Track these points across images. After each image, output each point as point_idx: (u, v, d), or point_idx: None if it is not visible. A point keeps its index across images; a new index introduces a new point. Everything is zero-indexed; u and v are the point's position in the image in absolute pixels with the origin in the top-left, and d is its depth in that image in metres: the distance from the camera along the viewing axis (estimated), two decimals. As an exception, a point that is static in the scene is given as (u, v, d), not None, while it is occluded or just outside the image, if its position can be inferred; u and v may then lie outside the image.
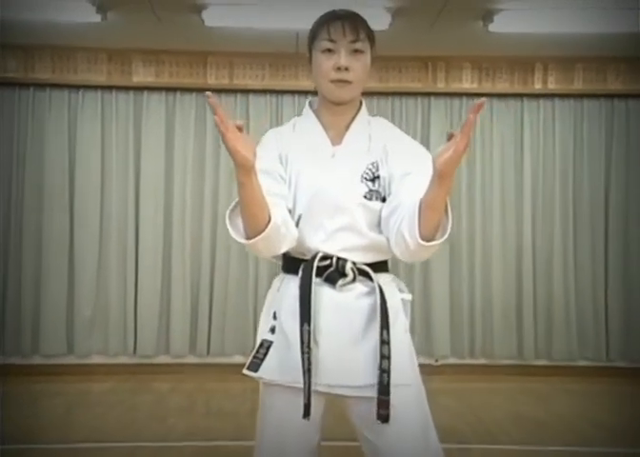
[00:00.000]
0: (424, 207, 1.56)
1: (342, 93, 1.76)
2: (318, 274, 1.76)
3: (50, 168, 5.53)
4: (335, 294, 1.77)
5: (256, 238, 1.65)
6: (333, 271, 1.76)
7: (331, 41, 1.73)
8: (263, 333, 1.82)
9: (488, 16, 4.54)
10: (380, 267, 1.82)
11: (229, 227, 1.71)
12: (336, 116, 1.82)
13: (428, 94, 5.76)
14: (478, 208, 5.75)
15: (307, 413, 1.69)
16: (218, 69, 5.60)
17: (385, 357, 1.69)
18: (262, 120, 5.59)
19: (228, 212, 1.70)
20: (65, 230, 5.54)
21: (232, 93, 5.67)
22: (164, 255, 5.65)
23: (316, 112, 1.85)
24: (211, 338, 5.71)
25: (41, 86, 5.53)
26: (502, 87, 5.73)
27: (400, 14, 4.58)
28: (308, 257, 1.77)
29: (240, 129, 1.53)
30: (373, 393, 1.70)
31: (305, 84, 5.67)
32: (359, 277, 1.77)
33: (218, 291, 5.69)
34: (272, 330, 1.79)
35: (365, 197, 1.75)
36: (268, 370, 1.76)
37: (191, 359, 5.72)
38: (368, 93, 5.60)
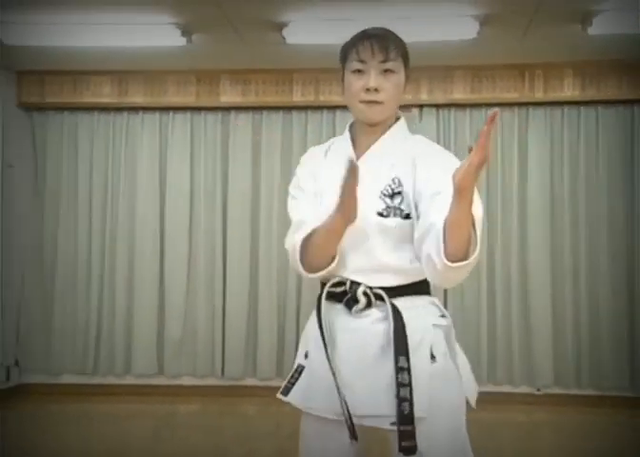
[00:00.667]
0: (448, 225, 1.53)
1: (372, 114, 1.76)
2: (339, 300, 1.78)
3: (142, 192, 5.69)
4: (351, 320, 1.77)
5: (321, 272, 1.72)
6: (349, 297, 1.76)
7: (361, 61, 1.73)
8: (299, 358, 1.85)
9: (586, 19, 4.24)
10: (404, 290, 1.77)
11: (298, 258, 1.75)
12: (369, 136, 1.81)
13: (525, 104, 5.46)
14: (582, 227, 5.38)
15: (354, 436, 1.70)
16: (304, 85, 5.55)
17: (404, 385, 1.65)
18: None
19: (300, 242, 1.73)
20: (155, 254, 5.66)
21: (319, 110, 5.61)
22: (251, 278, 5.65)
23: (352, 132, 1.86)
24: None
25: (134, 109, 5.71)
26: (609, 93, 5.34)
27: (489, 22, 4.39)
28: (329, 282, 1.79)
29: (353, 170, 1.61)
30: (387, 424, 1.67)
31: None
32: (377, 302, 1.74)
33: (304, 315, 5.56)
34: (306, 356, 1.83)
35: (380, 214, 1.72)
36: (296, 396, 1.80)
37: (278, 382, 5.63)
38: (460, 105, 5.53)
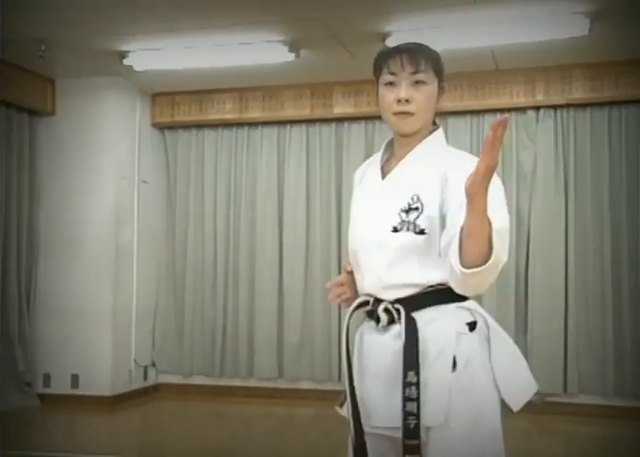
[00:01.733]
0: (464, 233, 1.55)
1: (404, 125, 1.78)
2: (369, 316, 1.85)
3: (261, 202, 6.01)
4: (377, 336, 1.82)
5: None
6: (374, 314, 1.81)
7: (392, 74, 1.77)
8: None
9: None
10: (425, 301, 1.78)
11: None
12: (404, 147, 1.84)
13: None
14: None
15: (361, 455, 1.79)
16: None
17: (411, 399, 1.68)
18: (461, 142, 5.48)
19: None
20: (275, 261, 5.95)
21: None
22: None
23: (391, 144, 1.90)
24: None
25: (254, 124, 6.04)
26: None
27: (600, 17, 4.22)
28: (361, 300, 1.88)
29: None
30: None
31: (503, 102, 5.48)
32: (397, 318, 1.77)
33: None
34: None
35: (395, 229, 1.76)
36: (346, 409, 1.84)
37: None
38: (579, 105, 5.33)
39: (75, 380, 5.78)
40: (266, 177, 6.01)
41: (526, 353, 5.18)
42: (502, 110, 5.39)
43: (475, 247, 1.56)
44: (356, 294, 1.89)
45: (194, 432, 4.88)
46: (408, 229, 1.76)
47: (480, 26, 4.52)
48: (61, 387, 5.82)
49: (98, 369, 5.67)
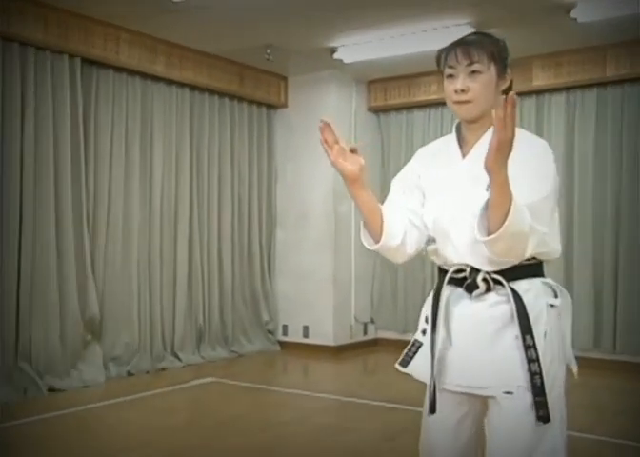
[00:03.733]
0: (488, 204, 1.67)
1: (464, 112, 1.88)
2: (458, 284, 1.90)
3: None
4: (470, 304, 1.88)
5: (376, 246, 1.92)
6: (470, 283, 1.86)
7: (451, 67, 1.87)
8: (417, 334, 2.01)
9: None
10: (520, 273, 1.86)
11: (362, 232, 1.97)
12: (471, 132, 1.92)
13: None
14: None
15: (432, 410, 1.89)
16: (618, 60, 5.60)
17: (533, 360, 1.78)
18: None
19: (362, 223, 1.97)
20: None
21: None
22: (566, 251, 5.89)
23: (458, 130, 1.99)
24: (617, 334, 5.72)
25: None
26: None
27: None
28: (447, 268, 1.92)
29: (353, 151, 1.84)
30: (496, 393, 1.81)
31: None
32: (496, 286, 1.84)
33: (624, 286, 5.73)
34: (424, 332, 1.97)
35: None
36: (415, 369, 1.96)
37: (596, 354, 5.77)
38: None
39: (306, 331, 6.72)
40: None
41: None
42: None
43: (496, 217, 1.65)
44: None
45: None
46: None
47: None
48: (295, 335, 6.79)
49: (324, 323, 6.54)
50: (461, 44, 1.87)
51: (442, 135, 6.73)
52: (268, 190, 6.99)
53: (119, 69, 5.51)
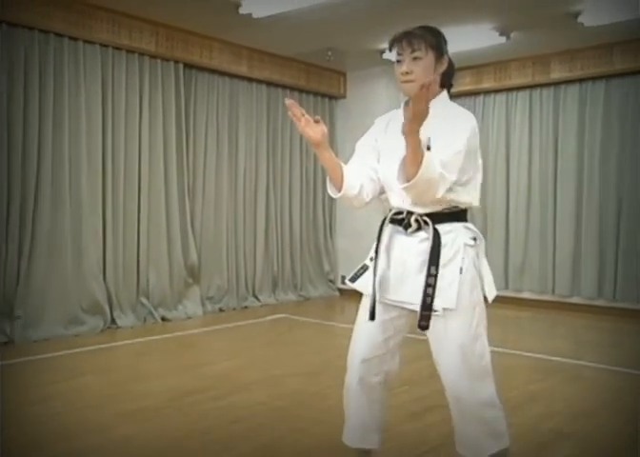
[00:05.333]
0: (405, 160, 1.80)
1: (408, 89, 1.96)
2: (399, 223, 2.02)
3: (492, 158, 6.59)
4: (405, 238, 2.02)
5: (338, 195, 2.02)
6: (405, 222, 2.01)
7: (399, 54, 1.98)
8: (366, 260, 2.14)
9: None
10: (444, 217, 1.98)
11: (327, 184, 2.06)
12: None
13: None
14: None
15: (372, 317, 2.01)
16: (623, 55, 5.71)
17: (430, 285, 1.92)
18: None
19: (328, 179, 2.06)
20: (503, 198, 6.58)
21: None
22: (577, 210, 6.13)
23: (407, 104, 2.05)
24: (618, 283, 5.89)
25: (488, 92, 6.64)
26: None
27: None
28: (391, 211, 2.07)
29: (316, 121, 1.93)
30: (417, 309, 1.93)
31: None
32: (425, 226, 1.97)
33: (627, 237, 5.89)
34: (371, 259, 2.10)
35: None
36: (361, 285, 2.11)
37: (601, 302, 6.01)
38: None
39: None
40: (496, 137, 6.62)
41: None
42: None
43: (411, 170, 1.78)
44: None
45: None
46: None
47: None
48: None
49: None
50: (406, 36, 1.97)
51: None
52: None
53: (212, 72, 5.89)
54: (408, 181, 1.79)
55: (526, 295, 6.47)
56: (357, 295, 2.18)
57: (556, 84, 6.23)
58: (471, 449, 2.03)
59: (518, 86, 6.42)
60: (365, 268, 2.11)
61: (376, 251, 2.05)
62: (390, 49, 2.02)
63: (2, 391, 3.27)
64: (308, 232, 7.06)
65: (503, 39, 5.50)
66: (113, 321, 5.10)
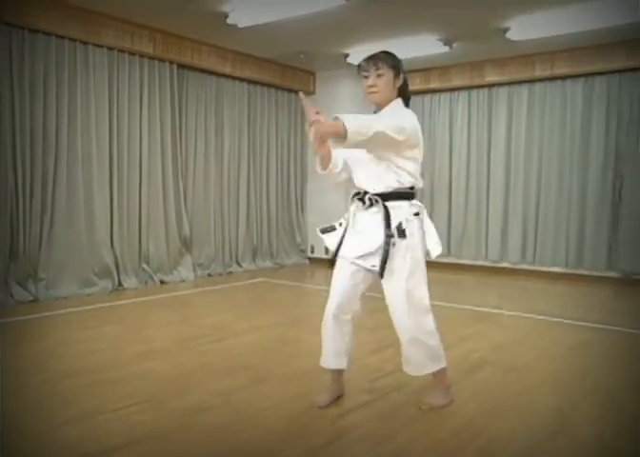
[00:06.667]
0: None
1: (372, 99, 2.25)
2: (360, 200, 2.29)
3: (440, 149, 6.99)
4: (364, 211, 2.30)
5: (324, 172, 2.33)
6: (363, 199, 2.29)
7: (366, 71, 2.23)
8: (336, 223, 2.42)
9: None
10: (392, 196, 2.22)
11: (317, 163, 2.33)
12: (379, 111, 2.29)
13: None
14: None
15: (332, 263, 2.35)
16: (543, 64, 6.07)
17: (386, 243, 2.20)
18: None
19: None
20: (502, 178, 6.83)
21: (552, 81, 6.09)
22: (506, 187, 6.49)
23: (375, 112, 2.31)
24: (537, 250, 6.29)
25: (433, 92, 6.89)
26: None
27: None
28: (356, 191, 2.37)
29: (317, 112, 2.05)
30: (370, 263, 2.23)
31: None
32: (376, 203, 2.24)
33: (545, 213, 6.26)
34: (340, 224, 2.41)
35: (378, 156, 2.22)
36: (329, 243, 2.42)
37: (524, 266, 6.44)
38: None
39: (327, 250, 7.05)
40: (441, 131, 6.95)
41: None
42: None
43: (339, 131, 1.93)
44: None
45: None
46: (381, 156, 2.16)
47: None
48: (319, 253, 7.25)
49: None
50: (372, 58, 2.22)
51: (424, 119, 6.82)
52: (301, 153, 7.38)
53: (201, 71, 5.99)
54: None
55: (464, 261, 6.84)
56: (324, 262, 2.54)
57: (490, 86, 6.53)
58: (416, 368, 2.41)
59: (459, 87, 6.70)
60: (333, 228, 2.39)
61: (347, 220, 2.33)
62: (359, 67, 2.25)
63: (41, 338, 3.53)
64: (282, 209, 7.21)
65: (446, 48, 5.76)
66: (120, 283, 5.30)
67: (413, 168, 2.25)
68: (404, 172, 2.19)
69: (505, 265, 6.60)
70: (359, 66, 2.24)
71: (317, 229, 2.43)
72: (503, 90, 6.50)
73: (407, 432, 2.24)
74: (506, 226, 6.56)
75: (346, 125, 1.91)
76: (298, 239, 7.41)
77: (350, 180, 2.39)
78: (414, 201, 2.28)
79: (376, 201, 2.20)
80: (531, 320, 4.32)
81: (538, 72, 6.13)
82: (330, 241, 2.37)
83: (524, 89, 6.36)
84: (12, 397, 2.56)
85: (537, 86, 6.27)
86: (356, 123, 1.94)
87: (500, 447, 2.12)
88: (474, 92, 6.70)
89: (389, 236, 2.16)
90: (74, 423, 2.31)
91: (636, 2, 4.44)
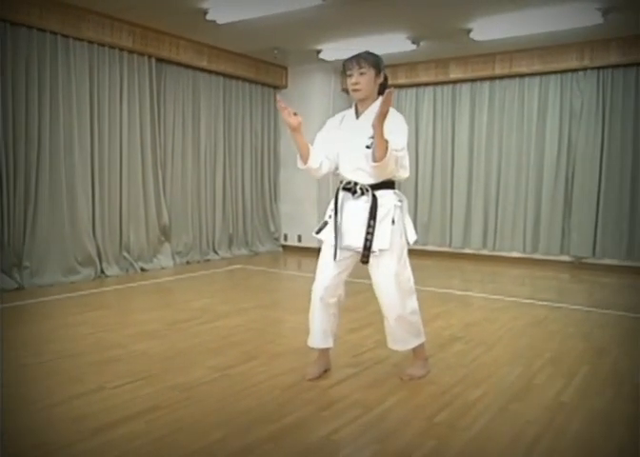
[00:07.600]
0: (374, 146, 2.18)
1: (356, 95, 2.36)
2: (348, 191, 2.38)
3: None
4: (353, 201, 2.38)
5: (304, 167, 2.38)
6: (353, 190, 2.37)
7: (350, 70, 2.33)
8: (326, 217, 2.49)
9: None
10: (380, 186, 2.33)
11: (298, 159, 2.38)
12: (361, 106, 2.41)
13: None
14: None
15: (335, 258, 2.40)
16: (502, 62, 6.32)
17: (369, 233, 2.31)
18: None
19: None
20: (466, 170, 7.05)
21: (513, 79, 6.35)
22: (468, 177, 6.71)
23: (355, 105, 2.45)
24: (497, 237, 6.57)
25: (401, 86, 7.06)
26: None
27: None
28: (343, 182, 2.44)
29: (295, 114, 2.24)
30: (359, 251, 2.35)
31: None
32: (366, 192, 2.33)
33: (504, 202, 6.52)
34: (330, 217, 2.46)
35: (367, 147, 2.29)
36: (323, 236, 2.48)
37: (485, 252, 6.71)
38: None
39: (299, 238, 7.30)
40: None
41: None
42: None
43: (377, 154, 2.12)
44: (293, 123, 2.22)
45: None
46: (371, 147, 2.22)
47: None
48: (292, 241, 7.37)
49: (310, 232, 7.04)
50: (356, 57, 2.33)
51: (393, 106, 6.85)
52: (275, 144, 7.44)
53: (179, 65, 6.00)
54: (377, 161, 2.14)
55: (430, 247, 7.06)
56: (297, 250, 2.68)
57: (454, 82, 6.72)
58: (401, 344, 2.58)
59: (425, 82, 6.87)
60: (325, 223, 2.46)
61: (335, 211, 2.38)
62: (344, 66, 2.35)
63: (32, 323, 3.55)
64: (257, 199, 7.28)
65: (414, 46, 5.91)
66: (102, 271, 5.32)
67: (406, 162, 2.40)
68: (400, 167, 2.31)
69: (467, 251, 6.86)
70: (344, 65, 2.34)
71: (313, 233, 2.51)
72: (466, 87, 6.70)
73: (392, 399, 2.41)
74: (469, 214, 6.80)
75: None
76: (272, 228, 7.50)
77: (329, 174, 2.47)
78: (397, 190, 2.40)
79: (367, 190, 2.29)
80: (495, 300, 4.57)
81: (498, 70, 6.35)
82: (327, 235, 2.43)
83: (485, 86, 6.58)
84: (13, 377, 2.61)
85: (497, 83, 6.49)
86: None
87: (475, 408, 2.32)
88: (439, 88, 6.88)
89: (370, 227, 2.27)
90: (81, 397, 2.39)
91: (588, 8, 4.70)
